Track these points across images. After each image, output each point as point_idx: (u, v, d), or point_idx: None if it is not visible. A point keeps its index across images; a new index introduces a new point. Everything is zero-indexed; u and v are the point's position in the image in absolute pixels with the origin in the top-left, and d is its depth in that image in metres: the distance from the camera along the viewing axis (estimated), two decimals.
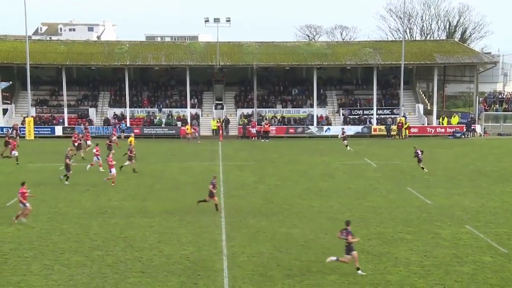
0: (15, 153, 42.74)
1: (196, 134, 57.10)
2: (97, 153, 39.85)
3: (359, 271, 19.70)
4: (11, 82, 67.93)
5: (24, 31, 60.91)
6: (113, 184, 34.13)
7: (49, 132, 58.55)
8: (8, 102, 64.24)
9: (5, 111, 62.76)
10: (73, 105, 64.41)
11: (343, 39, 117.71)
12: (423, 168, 38.75)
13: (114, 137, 48.61)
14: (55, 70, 65.01)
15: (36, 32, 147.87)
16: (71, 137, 48.52)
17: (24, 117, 59.84)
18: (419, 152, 39.17)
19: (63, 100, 63.06)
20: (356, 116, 64.54)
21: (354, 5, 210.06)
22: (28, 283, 18.83)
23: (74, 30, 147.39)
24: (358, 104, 66.12)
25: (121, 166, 38.05)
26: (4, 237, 23.81)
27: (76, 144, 45.53)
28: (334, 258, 20.08)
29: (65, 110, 62.37)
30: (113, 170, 34.65)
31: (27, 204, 25.93)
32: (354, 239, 19.87)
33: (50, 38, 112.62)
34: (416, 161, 39.35)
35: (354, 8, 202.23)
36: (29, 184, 33.85)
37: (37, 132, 58.19)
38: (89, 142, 47.98)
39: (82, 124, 60.37)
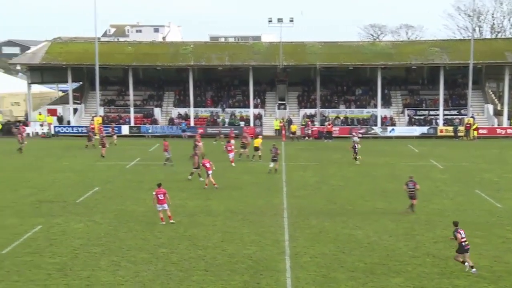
0: (167, 154, 41.74)
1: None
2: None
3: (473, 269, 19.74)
4: (81, 83, 69.98)
5: (94, 33, 62.83)
6: (206, 186, 33.71)
7: (117, 131, 59.81)
8: (79, 102, 66.23)
9: (75, 110, 64.74)
10: (139, 104, 65.73)
11: (409, 39, 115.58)
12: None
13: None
14: (122, 70, 66.54)
15: (105, 34, 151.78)
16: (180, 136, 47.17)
17: (93, 117, 61.49)
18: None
19: (129, 100, 64.46)
20: (422, 117, 63.26)
21: (421, 4, 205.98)
22: (97, 278, 19.36)
23: (140, 31, 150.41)
24: (424, 105, 64.80)
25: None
26: (74, 232, 24.57)
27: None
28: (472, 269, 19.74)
29: (132, 109, 63.72)
30: (209, 172, 33.85)
31: (165, 206, 25.96)
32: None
33: (118, 39, 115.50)
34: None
35: (420, 6, 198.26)
36: (98, 182, 34.90)
37: (105, 132, 59.65)
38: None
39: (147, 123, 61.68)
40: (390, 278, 19.37)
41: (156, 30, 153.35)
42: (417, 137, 58.87)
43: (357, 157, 42.96)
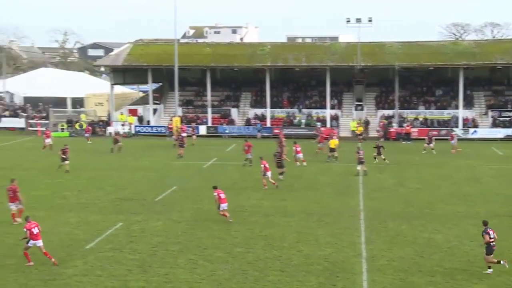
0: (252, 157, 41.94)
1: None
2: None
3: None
4: (161, 84, 71.66)
5: (174, 35, 64.22)
6: (265, 187, 33.89)
7: (196, 130, 60.70)
8: (158, 102, 67.85)
9: (155, 110, 66.37)
10: (216, 105, 66.60)
11: (494, 37, 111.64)
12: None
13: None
14: (200, 71, 67.63)
15: (184, 36, 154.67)
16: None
17: (172, 117, 62.81)
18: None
19: (207, 101, 65.45)
20: (507, 118, 60.97)
21: (508, 1, 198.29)
22: (175, 276, 19.77)
23: (219, 32, 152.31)
24: (509, 106, 62.40)
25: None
26: (153, 230, 25.18)
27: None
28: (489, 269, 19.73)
29: (209, 110, 64.66)
30: (268, 173, 34.16)
31: (223, 206, 26.41)
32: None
33: (197, 41, 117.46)
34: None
35: (507, 4, 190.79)
36: (176, 181, 35.64)
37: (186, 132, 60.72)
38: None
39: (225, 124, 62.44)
40: (472, 285, 18.80)
41: (234, 31, 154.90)
42: (501, 139, 56.81)
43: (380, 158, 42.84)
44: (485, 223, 20.25)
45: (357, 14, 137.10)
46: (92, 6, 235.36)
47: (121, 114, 64.88)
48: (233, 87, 69.59)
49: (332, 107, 64.28)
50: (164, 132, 60.83)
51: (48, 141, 49.07)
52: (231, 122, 64.30)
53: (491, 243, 19.58)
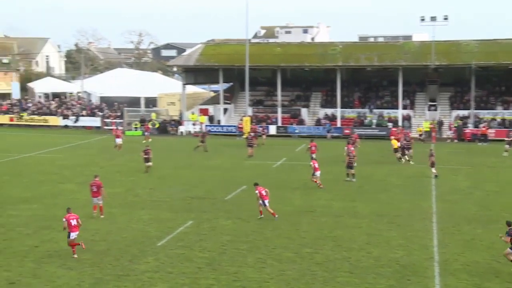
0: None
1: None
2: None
3: None
4: (231, 83, 72.33)
5: (245, 35, 64.71)
6: (321, 186, 34.05)
7: (266, 130, 60.95)
8: (229, 102, 68.50)
9: (225, 110, 67.05)
10: (287, 105, 66.61)
11: None
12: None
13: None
14: (270, 71, 67.83)
15: (255, 36, 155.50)
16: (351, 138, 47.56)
17: (242, 116, 63.29)
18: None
19: (277, 100, 65.57)
20: None
21: None
22: (244, 274, 19.89)
23: (290, 32, 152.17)
24: None
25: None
26: (223, 229, 25.42)
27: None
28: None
29: (279, 110, 64.75)
30: (317, 173, 34.23)
31: (265, 202, 26.77)
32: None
33: (268, 41, 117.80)
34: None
35: None
36: (245, 181, 35.87)
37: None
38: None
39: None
40: None
41: (305, 31, 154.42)
42: None
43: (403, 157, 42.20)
44: (509, 224, 20.16)
45: (432, 12, 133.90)
46: (166, 7, 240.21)
47: (192, 113, 65.90)
48: (304, 87, 69.42)
49: (404, 107, 63.10)
50: (234, 132, 61.35)
51: (118, 141, 49.68)
52: (301, 122, 64.16)
53: None
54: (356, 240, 23.73)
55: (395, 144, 44.27)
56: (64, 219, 21.85)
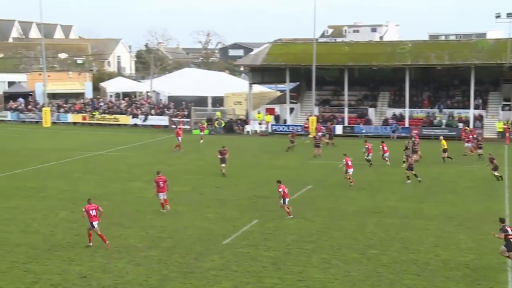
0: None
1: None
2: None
3: None
4: (298, 83, 72.23)
5: (312, 34, 64.51)
6: (352, 184, 34.02)
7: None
8: (295, 101, 68.41)
9: (292, 110, 67.00)
10: (353, 104, 65.94)
11: None
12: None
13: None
14: (338, 70, 67.29)
15: (322, 35, 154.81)
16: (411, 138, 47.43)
17: (308, 116, 63.08)
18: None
19: (344, 100, 65.00)
20: None
21: None
22: (308, 274, 19.84)
23: (357, 31, 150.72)
24: None
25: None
26: (288, 228, 25.42)
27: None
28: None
29: (346, 109, 64.17)
30: (350, 170, 34.48)
31: (286, 200, 27.14)
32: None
33: (335, 40, 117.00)
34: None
35: None
36: (311, 180, 35.78)
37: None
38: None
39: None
40: None
41: (374, 30, 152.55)
42: None
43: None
44: (502, 220, 20.76)
45: (508, 8, 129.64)
46: (234, 7, 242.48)
47: (259, 113, 66.20)
48: (371, 87, 68.55)
49: (476, 107, 61.32)
50: (300, 131, 61.26)
51: (179, 139, 49.27)
52: (368, 122, 63.38)
53: (511, 239, 19.69)
54: (423, 242, 23.27)
55: (444, 144, 43.74)
56: (83, 210, 22.78)
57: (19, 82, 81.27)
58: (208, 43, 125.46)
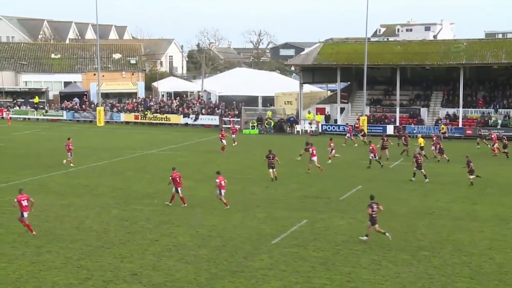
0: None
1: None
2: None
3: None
4: (349, 83, 71.68)
5: (364, 33, 63.89)
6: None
7: (381, 130, 60.02)
8: (346, 101, 67.93)
9: (342, 110, 66.53)
10: (405, 104, 65.02)
11: None
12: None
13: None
14: (390, 70, 66.49)
15: (374, 34, 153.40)
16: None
17: (359, 116, 62.50)
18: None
19: (395, 100, 64.18)
20: None
21: None
22: (358, 275, 19.68)
23: (411, 30, 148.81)
24: None
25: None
26: (337, 229, 25.28)
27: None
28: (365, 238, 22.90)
29: (397, 109, 63.33)
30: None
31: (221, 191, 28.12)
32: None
33: (387, 39, 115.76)
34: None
35: None
36: (361, 180, 35.45)
37: (370, 131, 60.22)
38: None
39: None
40: None
41: (427, 29, 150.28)
42: None
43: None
44: (372, 197, 23.37)
45: None
46: (285, 6, 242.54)
47: (309, 112, 65.98)
48: (424, 86, 67.45)
49: None
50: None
51: (224, 142, 48.75)
52: (420, 122, 62.36)
53: (373, 215, 22.72)
54: (477, 244, 22.77)
55: (422, 142, 44.34)
56: (15, 200, 24.11)
57: (75, 82, 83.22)
58: (259, 43, 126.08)
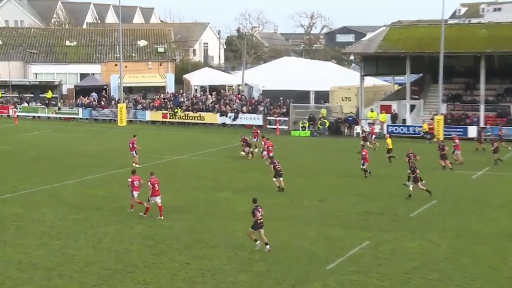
0: None
1: None
2: None
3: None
4: (421, 74, 70.84)
5: (441, 14, 63.16)
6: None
7: (461, 133, 59.06)
8: (417, 97, 67.08)
9: (412, 107, 65.69)
10: (491, 101, 63.93)
11: None
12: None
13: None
14: (472, 59, 65.38)
15: (453, 15, 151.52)
16: None
17: (433, 115, 61.66)
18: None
19: (479, 95, 63.15)
20: None
21: None
22: None
23: (499, 10, 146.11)
24: None
25: None
26: (406, 252, 24.93)
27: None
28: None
29: (482, 107, 62.32)
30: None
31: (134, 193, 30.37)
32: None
33: (469, 21, 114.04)
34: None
35: None
36: (437, 193, 34.83)
37: (447, 133, 59.34)
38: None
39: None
40: None
41: None
42: None
43: None
44: (254, 201, 25.32)
45: None
46: None
47: (372, 111, 65.41)
48: None
49: None
50: (422, 134, 60.00)
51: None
52: (511, 122, 61.13)
53: (258, 220, 24.76)
54: None
55: (390, 143, 46.45)
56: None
57: (93, 74, 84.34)
58: (312, 27, 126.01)
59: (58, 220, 29.26)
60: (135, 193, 30.69)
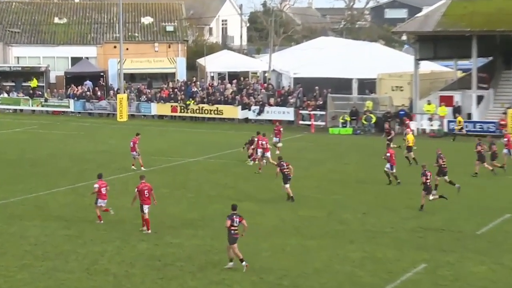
0: None
1: None
2: None
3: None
4: (491, 58, 70.27)
5: None
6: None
7: None
8: (486, 86, 66.49)
9: (480, 99, 65.17)
10: None
11: None
12: None
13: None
14: None
15: None
16: None
17: (506, 108, 61.25)
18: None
19: None
20: None
21: None
22: None
23: None
24: None
25: None
26: (473, 278, 24.88)
27: None
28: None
29: None
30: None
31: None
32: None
33: None
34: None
35: None
36: (504, 207, 34.56)
37: None
38: None
39: None
40: None
41: None
42: None
43: None
44: (233, 208, 25.76)
45: None
46: None
47: (429, 103, 65.07)
48: None
49: None
50: (493, 131, 59.50)
51: (267, 154, 46.27)
52: None
53: (232, 231, 25.13)
54: None
55: (411, 140, 47.42)
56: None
57: (87, 58, 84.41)
58: (355, 0, 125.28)
59: (44, 237, 29.37)
60: (101, 202, 31.54)
